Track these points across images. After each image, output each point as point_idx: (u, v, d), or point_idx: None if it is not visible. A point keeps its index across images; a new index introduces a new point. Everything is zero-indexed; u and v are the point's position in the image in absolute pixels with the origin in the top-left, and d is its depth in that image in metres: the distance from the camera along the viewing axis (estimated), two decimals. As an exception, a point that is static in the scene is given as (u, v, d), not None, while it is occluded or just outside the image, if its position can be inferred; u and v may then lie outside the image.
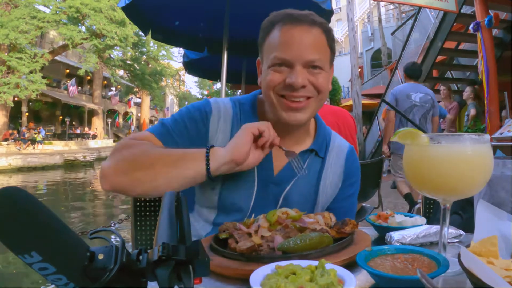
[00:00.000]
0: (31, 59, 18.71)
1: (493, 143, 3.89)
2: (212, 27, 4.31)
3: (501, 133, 4.24)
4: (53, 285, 0.40)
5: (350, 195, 1.14)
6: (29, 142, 19.72)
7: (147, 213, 1.40)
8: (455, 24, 7.06)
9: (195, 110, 1.04)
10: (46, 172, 14.62)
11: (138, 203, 1.40)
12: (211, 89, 37.27)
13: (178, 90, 45.42)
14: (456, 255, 0.62)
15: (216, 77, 6.30)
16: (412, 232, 0.85)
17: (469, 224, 1.04)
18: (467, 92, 6.18)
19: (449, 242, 0.85)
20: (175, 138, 0.98)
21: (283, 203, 1.03)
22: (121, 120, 36.64)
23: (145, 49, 27.41)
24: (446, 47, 7.56)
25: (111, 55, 25.37)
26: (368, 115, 13.45)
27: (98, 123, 29.07)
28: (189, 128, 1.01)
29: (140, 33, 20.69)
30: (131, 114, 37.39)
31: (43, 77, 19.34)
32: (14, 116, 22.74)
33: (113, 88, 33.30)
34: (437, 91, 7.60)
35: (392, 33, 15.60)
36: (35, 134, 20.76)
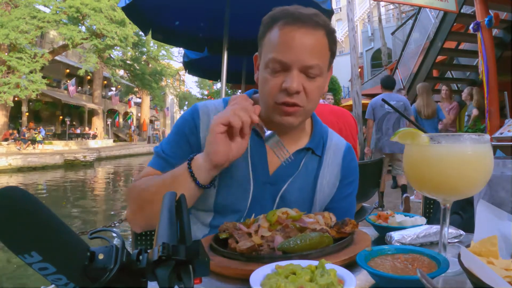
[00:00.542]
0: (31, 59, 18.70)
1: (493, 143, 3.89)
2: (212, 27, 4.31)
3: (501, 133, 4.24)
4: (53, 285, 0.40)
5: (348, 194, 1.12)
6: (29, 142, 19.72)
7: (147, 213, 1.40)
8: (455, 24, 7.06)
9: (183, 124, 1.03)
10: (46, 172, 14.62)
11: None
12: (211, 89, 37.26)
13: (178, 90, 45.41)
14: (456, 255, 0.62)
15: (216, 77, 6.30)
16: (412, 232, 0.85)
17: (469, 224, 1.04)
18: (465, 93, 6.20)
19: (449, 242, 0.85)
20: (174, 164, 0.98)
21: (280, 202, 1.02)
22: (121, 120, 36.64)
23: (145, 49, 27.41)
24: (446, 47, 7.57)
25: (111, 55, 25.37)
26: (368, 115, 13.40)
27: (98, 123, 29.07)
28: (183, 146, 1.01)
29: (140, 33, 20.70)
30: (131, 114, 37.39)
31: (43, 77, 19.33)
32: (14, 116, 22.74)
33: (113, 88, 33.29)
34: (437, 91, 7.60)
35: (392, 33, 15.60)
36: (35, 134, 20.76)
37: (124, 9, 3.63)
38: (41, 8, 19.75)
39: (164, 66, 30.24)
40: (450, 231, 0.88)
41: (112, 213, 7.55)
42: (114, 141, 29.75)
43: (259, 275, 0.60)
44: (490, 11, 5.22)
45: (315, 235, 0.73)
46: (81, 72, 21.63)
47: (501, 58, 6.51)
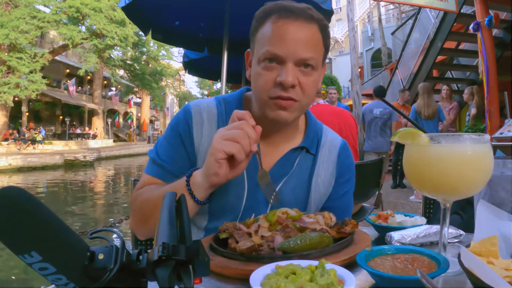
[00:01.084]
0: (31, 59, 18.71)
1: (493, 143, 3.89)
2: (212, 27, 4.31)
3: (501, 133, 4.24)
4: (53, 285, 0.40)
5: (344, 193, 1.10)
6: (29, 142, 19.72)
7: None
8: (455, 24, 7.06)
9: (177, 126, 1.02)
10: (46, 172, 14.62)
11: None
12: (211, 89, 37.27)
13: (178, 90, 45.43)
14: (456, 255, 0.62)
15: (216, 77, 6.30)
16: (412, 232, 0.85)
17: (469, 224, 1.04)
18: (466, 94, 6.21)
19: (449, 242, 0.85)
20: (170, 169, 0.98)
21: (274, 203, 1.00)
22: (121, 120, 36.64)
23: (145, 49, 27.42)
24: (446, 47, 7.57)
25: (111, 55, 25.37)
26: (368, 115, 13.41)
27: (98, 123, 29.07)
28: (178, 148, 1.00)
29: (140, 33, 20.72)
30: (131, 114, 37.39)
31: (43, 77, 19.33)
32: (14, 116, 22.74)
33: (113, 88, 33.29)
34: (437, 91, 7.60)
35: (392, 33, 15.60)
36: (35, 134, 20.76)
37: (124, 9, 3.63)
38: (41, 8, 19.77)
39: (164, 66, 30.25)
40: (450, 231, 0.88)
41: (112, 213, 7.55)
42: (114, 141, 29.75)
43: (259, 275, 0.60)
44: (490, 11, 5.22)
45: (315, 235, 0.73)
46: (81, 72, 21.63)
47: (501, 58, 6.50)
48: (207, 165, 0.83)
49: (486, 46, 5.10)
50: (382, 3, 21.84)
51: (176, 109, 43.51)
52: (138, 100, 38.45)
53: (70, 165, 16.32)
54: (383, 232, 0.91)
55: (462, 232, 0.89)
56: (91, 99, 29.27)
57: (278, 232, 0.77)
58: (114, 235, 0.48)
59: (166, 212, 0.45)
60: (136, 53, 27.45)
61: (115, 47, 23.00)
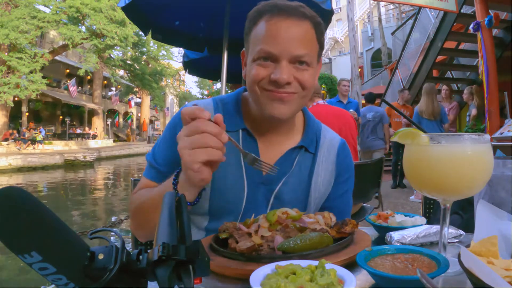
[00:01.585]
0: (31, 59, 18.71)
1: (493, 143, 3.89)
2: (212, 27, 4.31)
3: (501, 133, 4.24)
4: (53, 285, 0.40)
5: (344, 192, 1.10)
6: (29, 142, 19.73)
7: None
8: (455, 24, 7.07)
9: (174, 128, 1.00)
10: (46, 172, 14.62)
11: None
12: (211, 89, 37.28)
13: (178, 90, 45.43)
14: (456, 255, 0.62)
15: (216, 77, 6.30)
16: (412, 232, 0.85)
17: (469, 224, 1.04)
18: (466, 94, 6.21)
19: (449, 242, 0.85)
20: (166, 172, 0.97)
21: (275, 202, 1.00)
22: (121, 120, 36.65)
23: (145, 49, 27.42)
24: (446, 47, 7.57)
25: (111, 55, 25.37)
26: (368, 115, 13.42)
27: (98, 123, 29.08)
28: (175, 151, 0.99)
29: (140, 33, 20.71)
30: (131, 114, 37.40)
31: (43, 77, 19.33)
32: (14, 116, 22.74)
33: (113, 88, 33.30)
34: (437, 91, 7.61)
35: (392, 33, 15.61)
36: (35, 134, 20.76)
37: (124, 9, 3.63)
38: (41, 8, 19.77)
39: (164, 66, 30.25)
40: (450, 231, 0.88)
41: (112, 213, 7.55)
42: (114, 141, 29.76)
43: (259, 275, 0.60)
44: (490, 11, 5.22)
45: (315, 235, 0.73)
46: (81, 72, 21.63)
47: (501, 58, 6.51)
48: (189, 177, 0.78)
49: (486, 46, 5.10)
50: (382, 3, 21.84)
51: (176, 109, 43.51)
52: (138, 100, 38.45)
53: (70, 165, 16.32)
54: (383, 232, 0.91)
55: (462, 232, 0.89)
56: (91, 99, 29.27)
57: (278, 232, 0.77)
58: (114, 235, 0.48)
59: (166, 212, 0.45)
60: (136, 53, 27.46)
61: (115, 47, 23.00)
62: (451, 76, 9.44)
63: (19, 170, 14.36)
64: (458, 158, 0.66)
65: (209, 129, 0.74)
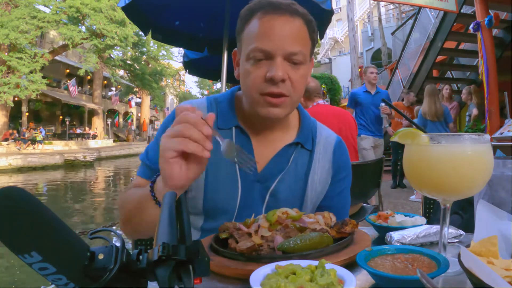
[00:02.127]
0: (31, 59, 18.71)
1: (493, 143, 3.90)
2: (212, 27, 4.31)
3: (501, 133, 4.24)
4: (53, 285, 0.40)
5: (341, 191, 1.09)
6: (29, 142, 19.73)
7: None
8: (455, 24, 7.06)
9: (164, 127, 0.99)
10: (46, 172, 14.62)
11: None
12: (211, 89, 37.29)
13: (178, 90, 45.45)
14: (456, 255, 0.62)
15: (216, 77, 6.30)
16: (412, 232, 0.85)
17: (469, 224, 1.04)
18: (464, 94, 6.22)
19: (449, 242, 0.85)
20: (157, 169, 0.96)
21: (270, 200, 0.99)
22: (121, 120, 36.66)
23: (145, 49, 27.43)
24: (446, 47, 7.57)
25: (111, 55, 25.38)
26: (368, 115, 13.42)
27: (98, 123, 29.08)
28: None
29: (140, 33, 20.70)
30: (131, 114, 37.41)
31: (43, 77, 19.34)
32: (14, 116, 22.74)
33: (113, 88, 33.30)
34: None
35: (392, 33, 15.60)
36: (36, 134, 20.77)
37: (124, 9, 3.63)
38: (41, 8, 19.78)
39: (164, 66, 30.27)
40: (450, 231, 0.88)
41: (112, 213, 7.54)
42: (114, 141, 29.76)
43: (259, 275, 0.60)
44: (490, 11, 5.23)
45: (315, 235, 0.73)
46: (81, 72, 21.64)
47: (501, 58, 6.51)
48: (161, 168, 0.74)
49: (486, 46, 5.10)
50: (382, 3, 21.84)
51: (176, 109, 43.41)
52: (138, 100, 38.47)
53: (70, 165, 16.32)
54: (383, 232, 0.91)
55: (462, 232, 0.89)
56: (91, 99, 29.28)
57: (278, 232, 0.77)
58: (114, 235, 0.48)
59: (166, 212, 0.45)
60: (136, 53, 27.47)
61: (115, 47, 23.01)
62: (451, 76, 9.44)
63: (19, 170, 14.37)
64: (458, 158, 0.66)
65: (191, 120, 0.71)
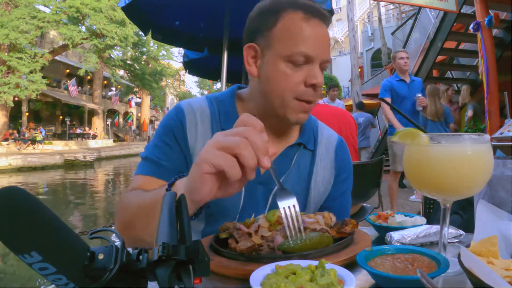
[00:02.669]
0: (31, 59, 18.71)
1: (493, 143, 3.90)
2: (212, 27, 4.31)
3: (501, 133, 4.24)
4: (53, 285, 0.40)
5: (343, 192, 1.08)
6: (29, 142, 19.73)
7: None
8: (455, 24, 7.07)
9: (169, 123, 0.97)
10: (46, 172, 14.62)
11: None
12: (211, 89, 37.29)
13: (178, 90, 45.47)
14: (456, 255, 0.62)
15: (216, 77, 6.30)
16: (412, 232, 0.85)
17: (469, 224, 1.04)
18: (462, 95, 6.23)
19: (449, 242, 0.85)
20: (165, 165, 0.92)
21: (273, 203, 0.97)
22: (121, 120, 36.65)
23: (145, 49, 27.44)
24: (446, 47, 7.57)
25: (111, 55, 25.39)
26: (368, 115, 13.42)
27: (98, 123, 29.08)
28: (172, 145, 0.95)
29: (140, 33, 20.71)
30: (131, 114, 37.41)
31: (43, 77, 19.34)
32: (14, 116, 22.73)
33: (113, 88, 33.31)
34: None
35: (392, 33, 15.59)
36: (36, 134, 20.76)
37: (124, 9, 3.63)
38: (41, 8, 19.78)
39: (164, 66, 30.28)
40: (450, 231, 0.88)
41: (112, 213, 7.55)
42: (114, 141, 29.76)
43: (259, 275, 0.60)
44: (490, 11, 5.23)
45: (315, 235, 0.73)
46: (81, 72, 21.64)
47: (501, 58, 6.51)
48: (190, 177, 0.64)
49: (486, 46, 5.10)
50: (382, 3, 21.84)
51: (176, 109, 43.39)
52: (138, 100, 38.47)
53: (70, 165, 16.32)
54: (383, 232, 0.91)
55: (462, 232, 0.89)
56: (91, 99, 29.27)
57: (278, 232, 0.77)
58: (114, 235, 0.48)
59: (166, 212, 0.45)
60: (136, 53, 27.48)
61: (115, 47, 23.02)
62: (451, 76, 9.44)
63: (19, 170, 14.37)
64: (458, 158, 0.66)
65: (254, 138, 0.59)
